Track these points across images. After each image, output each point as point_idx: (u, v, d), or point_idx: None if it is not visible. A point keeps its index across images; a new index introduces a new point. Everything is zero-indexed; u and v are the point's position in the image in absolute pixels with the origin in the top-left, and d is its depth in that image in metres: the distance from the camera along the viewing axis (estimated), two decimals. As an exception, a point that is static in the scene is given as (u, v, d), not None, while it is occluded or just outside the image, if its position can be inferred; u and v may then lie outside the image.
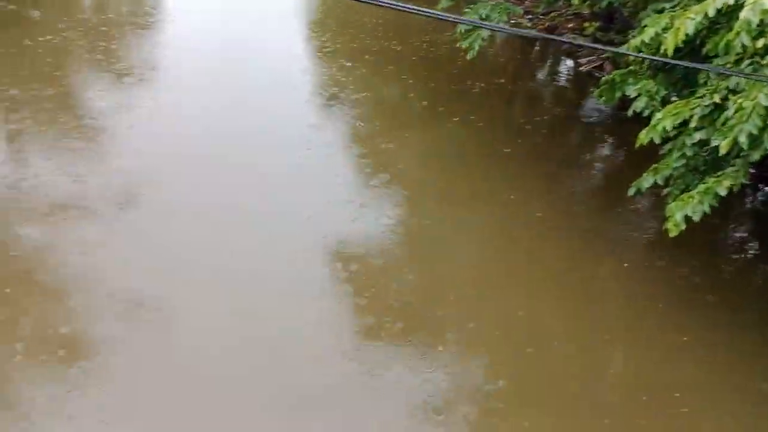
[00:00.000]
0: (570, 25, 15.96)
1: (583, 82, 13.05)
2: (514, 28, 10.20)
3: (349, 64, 11.82)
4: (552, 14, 16.00)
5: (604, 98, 7.55)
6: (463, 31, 9.69)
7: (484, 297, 6.99)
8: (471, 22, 9.00)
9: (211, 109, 9.72)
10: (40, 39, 10.91)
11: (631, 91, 6.94)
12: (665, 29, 6.13)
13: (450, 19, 9.61)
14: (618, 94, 7.29)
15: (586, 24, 14.77)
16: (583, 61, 13.99)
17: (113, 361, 5.59)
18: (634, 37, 7.09)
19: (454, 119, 10.38)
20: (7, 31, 11.29)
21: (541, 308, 6.87)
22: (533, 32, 13.74)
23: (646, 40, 6.29)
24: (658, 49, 6.27)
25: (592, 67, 13.49)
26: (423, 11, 3.53)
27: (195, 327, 6.06)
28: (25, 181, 7.50)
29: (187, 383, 5.51)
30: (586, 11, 14.28)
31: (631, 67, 7.28)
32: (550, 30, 16.43)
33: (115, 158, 8.22)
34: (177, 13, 13.90)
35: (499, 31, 10.80)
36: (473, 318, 6.60)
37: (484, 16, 9.49)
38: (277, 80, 10.86)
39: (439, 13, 5.04)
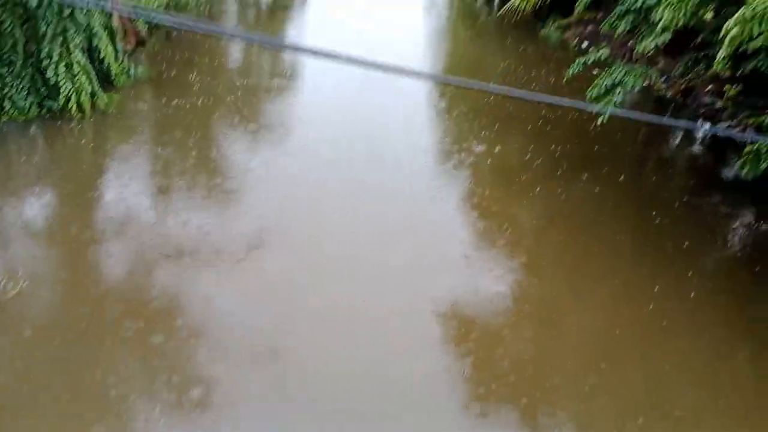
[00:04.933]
0: (709, 88, 15.21)
1: (722, 148, 12.29)
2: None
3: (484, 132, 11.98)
4: (690, 75, 15.34)
5: (747, 169, 7.08)
6: (595, 95, 9.53)
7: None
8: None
9: (338, 167, 10.20)
10: (192, 100, 12.10)
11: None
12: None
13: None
14: (764, 166, 6.82)
15: (727, 86, 14.00)
16: (723, 125, 13.20)
17: (244, 407, 5.84)
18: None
19: (582, 184, 10.14)
20: (163, 97, 12.66)
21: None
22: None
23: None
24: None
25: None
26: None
27: (314, 372, 6.22)
28: (166, 226, 8.18)
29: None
30: (726, 73, 13.56)
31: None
32: (687, 92, 15.75)
33: (248, 211, 8.77)
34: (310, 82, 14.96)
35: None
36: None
37: (617, 81, 9.32)
38: (402, 136, 11.22)
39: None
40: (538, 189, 10.08)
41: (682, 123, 11.61)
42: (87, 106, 10.45)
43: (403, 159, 10.65)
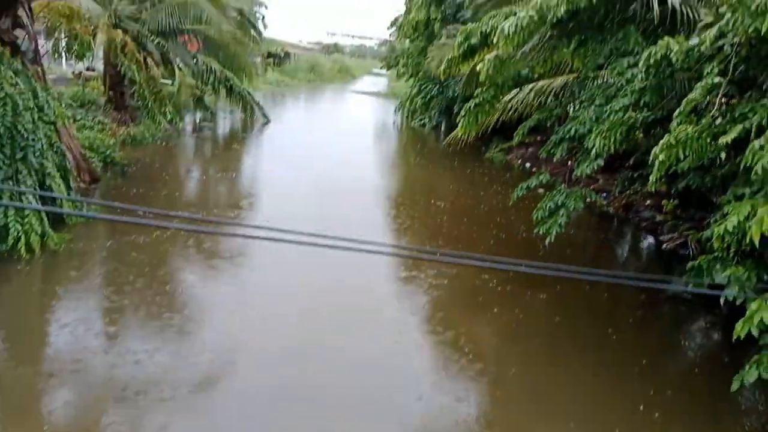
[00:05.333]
0: (648, 202, 16.06)
1: (667, 260, 12.77)
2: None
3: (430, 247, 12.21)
4: (628, 192, 16.23)
5: (692, 285, 7.33)
6: (540, 217, 9.94)
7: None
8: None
9: (300, 293, 10.14)
10: (145, 236, 12.05)
11: (720, 279, 6.73)
12: (748, 218, 6.07)
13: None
14: (707, 280, 7.08)
15: (665, 201, 14.81)
16: (665, 238, 13.82)
17: None
18: (716, 220, 7.02)
19: (538, 304, 10.28)
20: (113, 227, 12.59)
21: None
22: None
23: (729, 229, 6.20)
24: (743, 236, 6.16)
25: (675, 245, 13.25)
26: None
27: None
28: (117, 366, 7.83)
29: None
30: (663, 188, 14.44)
31: (716, 253, 7.12)
32: (628, 207, 16.57)
33: (202, 342, 8.50)
34: (268, 202, 15.21)
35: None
36: None
37: (560, 203, 9.77)
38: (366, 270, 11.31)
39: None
40: (496, 310, 10.17)
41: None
42: (36, 246, 10.24)
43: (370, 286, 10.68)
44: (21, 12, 13.04)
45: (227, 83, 25.47)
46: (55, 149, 11.82)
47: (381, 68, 54.53)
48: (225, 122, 29.35)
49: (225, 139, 26.83)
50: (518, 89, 12.50)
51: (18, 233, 10.10)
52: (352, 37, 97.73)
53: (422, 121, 32.72)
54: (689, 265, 7.50)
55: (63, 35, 21.14)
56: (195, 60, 23.87)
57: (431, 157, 26.08)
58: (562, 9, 8.71)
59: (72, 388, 7.25)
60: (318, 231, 5.40)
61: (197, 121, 27.61)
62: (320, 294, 10.20)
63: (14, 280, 9.77)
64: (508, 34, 9.01)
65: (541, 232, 10.06)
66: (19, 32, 13.06)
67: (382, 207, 16.87)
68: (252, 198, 16.71)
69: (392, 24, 37.32)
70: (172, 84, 23.70)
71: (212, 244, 12.02)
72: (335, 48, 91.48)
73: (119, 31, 19.50)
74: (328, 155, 22.63)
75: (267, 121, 29.14)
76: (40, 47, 14.78)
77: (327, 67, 68.58)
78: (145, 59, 19.96)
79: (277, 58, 55.00)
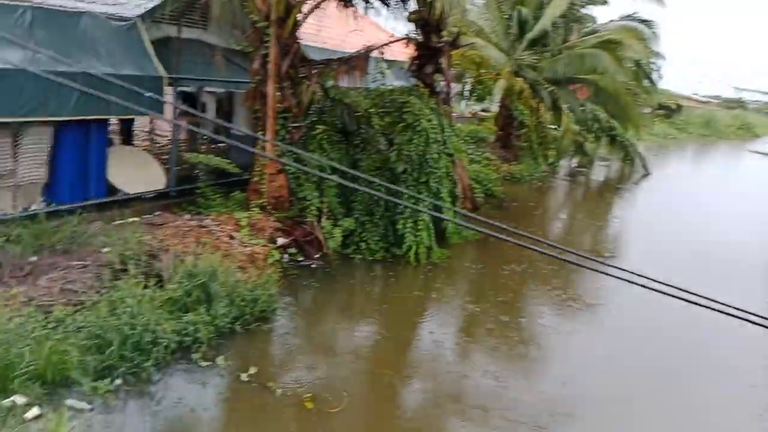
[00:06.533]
0: None
1: None
2: None
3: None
4: None
5: None
6: None
7: None
8: None
9: (651, 345, 9.62)
10: (512, 265, 12.92)
11: None
12: None
13: None
14: None
15: None
16: None
17: None
18: None
19: None
20: (487, 252, 13.78)
21: None
22: None
23: None
24: None
25: None
26: None
27: None
28: (468, 380, 8.59)
29: None
30: None
31: None
32: None
33: (551, 375, 8.69)
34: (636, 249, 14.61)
35: None
36: None
37: None
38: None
39: None
40: None
41: None
42: (422, 257, 12.05)
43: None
44: (442, 60, 15.43)
45: (611, 132, 25.35)
46: (449, 178, 13.64)
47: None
48: (601, 170, 29.14)
49: (599, 186, 26.64)
50: None
51: (411, 243, 12.02)
52: (762, 93, 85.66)
53: None
54: None
55: (470, 80, 24.10)
56: (582, 108, 24.45)
57: None
58: None
59: (421, 388, 8.22)
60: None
61: (573, 165, 28.09)
62: (677, 349, 9.49)
63: (402, 280, 11.61)
64: None
65: None
66: (437, 76, 15.50)
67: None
68: (618, 246, 16.32)
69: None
70: (557, 129, 24.72)
71: (577, 286, 12.22)
72: (738, 103, 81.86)
73: (519, 79, 21.27)
74: (711, 220, 20.51)
75: (646, 174, 27.93)
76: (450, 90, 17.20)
77: (724, 123, 61.87)
78: (537, 105, 21.34)
79: (668, 110, 52.09)
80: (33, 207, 9.93)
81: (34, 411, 6.05)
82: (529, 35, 22.51)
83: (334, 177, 11.52)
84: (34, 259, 8.38)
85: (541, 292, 12.07)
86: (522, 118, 21.47)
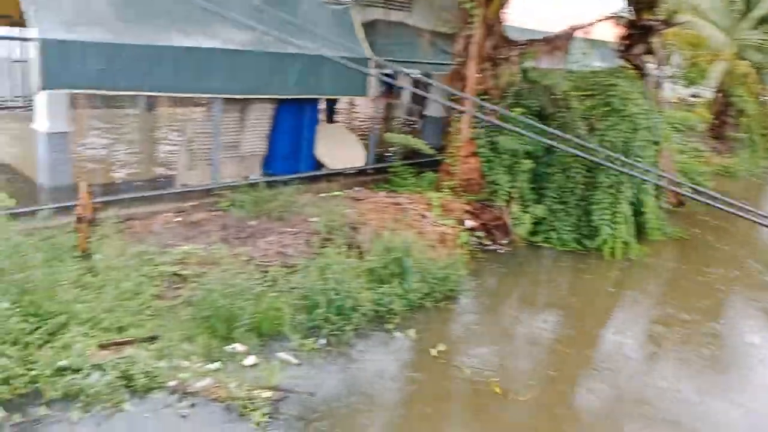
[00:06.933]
0: None
1: None
2: None
3: None
4: None
5: None
6: None
7: None
8: None
9: None
10: (714, 269, 11.72)
11: None
12: None
13: None
14: None
15: None
16: None
17: None
18: None
19: None
20: (692, 252, 12.63)
21: None
22: None
23: None
24: None
25: None
26: None
27: None
28: (655, 388, 7.98)
29: None
30: None
31: None
32: None
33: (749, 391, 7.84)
34: None
35: None
36: None
37: None
38: None
39: None
40: None
41: None
42: (618, 251, 11.37)
43: None
44: (654, 40, 14.26)
45: None
46: (655, 168, 12.66)
47: None
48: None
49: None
50: None
51: (606, 236, 11.38)
52: None
53: None
54: None
55: (679, 62, 22.02)
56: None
57: None
58: None
59: (605, 390, 7.81)
60: None
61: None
62: None
63: (593, 274, 11.06)
64: None
65: None
66: (646, 57, 14.37)
67: None
68: None
69: None
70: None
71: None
72: None
73: (743, 62, 18.99)
74: None
75: None
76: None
77: None
78: (762, 91, 18.92)
79: None
80: (252, 176, 11.04)
81: (251, 359, 6.79)
82: (756, 12, 19.92)
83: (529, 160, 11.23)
84: (253, 223, 9.35)
85: (752, 305, 10.83)
86: (742, 105, 19.13)
